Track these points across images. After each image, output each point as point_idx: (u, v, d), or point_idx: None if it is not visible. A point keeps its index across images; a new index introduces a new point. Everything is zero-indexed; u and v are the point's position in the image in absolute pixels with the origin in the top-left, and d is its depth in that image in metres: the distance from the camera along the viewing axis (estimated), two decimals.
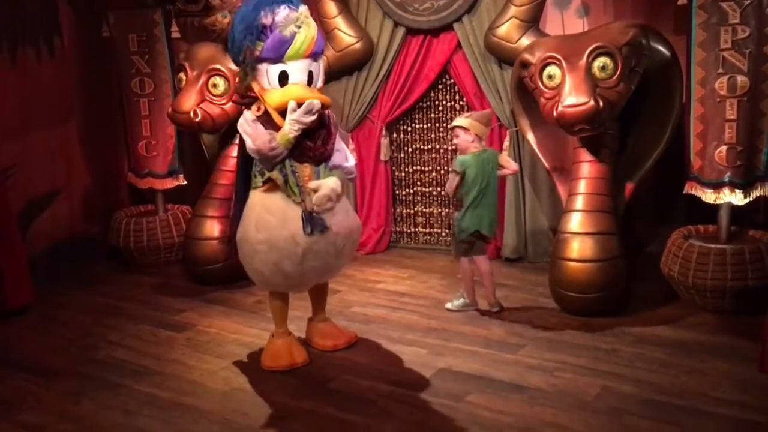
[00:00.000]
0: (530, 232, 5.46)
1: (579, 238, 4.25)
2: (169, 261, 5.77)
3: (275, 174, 3.59)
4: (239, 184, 3.81)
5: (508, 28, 5.04)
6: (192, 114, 4.92)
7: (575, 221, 4.32)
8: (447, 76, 5.67)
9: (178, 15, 5.72)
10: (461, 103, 5.69)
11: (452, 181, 4.29)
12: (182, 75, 5.17)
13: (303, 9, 3.52)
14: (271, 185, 3.61)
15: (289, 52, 3.47)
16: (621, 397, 3.28)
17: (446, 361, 3.76)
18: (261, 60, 3.49)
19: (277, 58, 3.48)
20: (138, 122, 5.74)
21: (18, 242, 4.77)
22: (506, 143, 5.38)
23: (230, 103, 5.05)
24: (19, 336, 4.42)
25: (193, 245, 5.19)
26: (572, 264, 4.23)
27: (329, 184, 3.56)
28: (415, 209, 6.01)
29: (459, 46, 5.45)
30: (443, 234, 5.94)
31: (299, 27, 3.48)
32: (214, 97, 5.02)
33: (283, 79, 3.52)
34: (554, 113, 4.09)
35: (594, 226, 4.25)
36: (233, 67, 4.95)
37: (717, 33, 4.12)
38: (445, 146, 5.79)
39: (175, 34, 5.66)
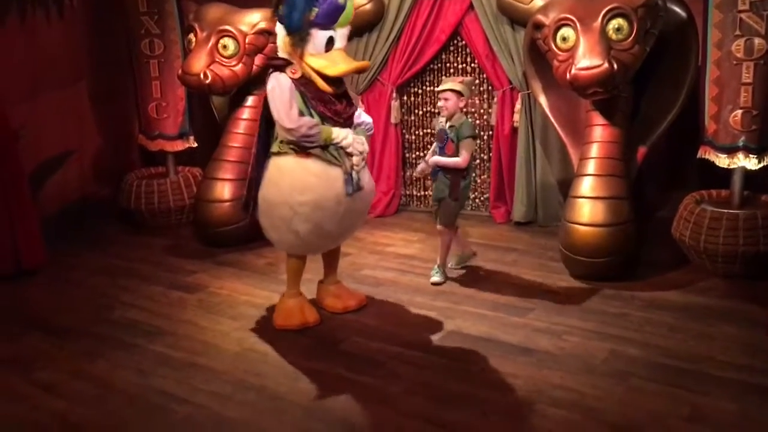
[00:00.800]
0: (540, 196, 5.44)
1: (590, 202, 4.24)
2: (180, 223, 5.80)
3: (325, 134, 3.57)
4: (260, 147, 3.79)
5: None
6: (202, 76, 4.90)
7: (587, 185, 4.30)
8: (458, 38, 5.60)
9: None
10: (473, 65, 5.63)
11: (470, 146, 4.20)
12: (192, 36, 5.14)
13: None
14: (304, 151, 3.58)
15: (341, 19, 3.55)
16: (628, 360, 3.30)
17: (455, 323, 3.79)
18: (313, 24, 3.49)
19: (328, 24, 3.53)
20: (148, 84, 5.71)
21: (30, 204, 4.78)
22: (518, 106, 5.34)
23: (240, 65, 5.03)
24: (33, 296, 4.47)
25: (204, 207, 5.21)
26: (583, 228, 4.22)
27: (361, 142, 3.68)
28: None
29: (471, 7, 5.38)
30: None
31: None
32: (224, 59, 4.99)
33: (329, 44, 3.56)
34: (567, 76, 4.05)
35: (605, 190, 4.23)
36: (243, 28, 5.00)
37: None
38: None
39: None
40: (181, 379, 3.31)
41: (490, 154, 5.68)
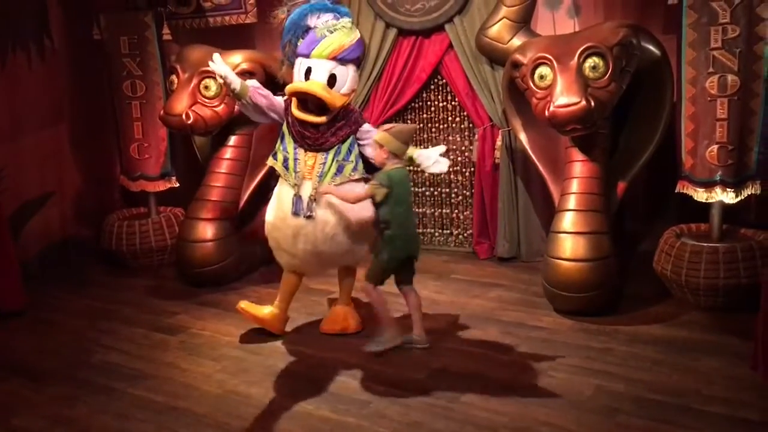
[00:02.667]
0: (523, 231, 5.47)
1: (572, 237, 4.27)
2: (162, 263, 5.76)
3: (279, 159, 4.02)
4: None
5: (499, 29, 5.04)
6: (184, 117, 4.93)
7: (568, 220, 4.33)
8: (439, 77, 5.68)
9: (170, 17, 5.70)
10: (453, 103, 5.70)
11: (371, 189, 3.74)
12: (174, 77, 5.17)
13: (345, 20, 3.94)
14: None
15: (315, 51, 3.87)
16: (614, 396, 3.29)
17: (441, 361, 3.77)
18: (298, 55, 3.95)
19: (306, 54, 3.91)
20: (130, 125, 5.72)
21: (9, 245, 4.73)
22: (498, 143, 5.39)
23: (222, 105, 5.07)
24: (13, 339, 4.40)
25: (185, 248, 5.17)
26: (565, 263, 4.24)
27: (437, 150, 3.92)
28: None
29: (450, 46, 5.46)
30: (436, 234, 5.94)
31: (331, 32, 3.87)
32: (206, 100, 5.03)
33: (308, 73, 3.90)
34: (546, 113, 4.11)
35: (586, 225, 4.27)
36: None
37: (707, 33, 4.14)
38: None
39: (167, 37, 5.65)
40: (162, 423, 3.26)
41: (472, 191, 5.71)
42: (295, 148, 3.96)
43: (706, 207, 4.42)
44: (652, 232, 5.11)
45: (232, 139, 5.34)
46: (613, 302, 4.31)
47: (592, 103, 4.01)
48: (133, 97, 5.68)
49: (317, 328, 4.27)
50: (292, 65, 4.07)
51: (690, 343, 3.83)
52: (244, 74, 5.04)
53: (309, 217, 3.83)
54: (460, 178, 5.79)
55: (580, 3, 5.36)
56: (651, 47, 4.43)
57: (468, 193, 5.79)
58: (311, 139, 3.93)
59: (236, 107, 5.10)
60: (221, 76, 3.89)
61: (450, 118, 5.73)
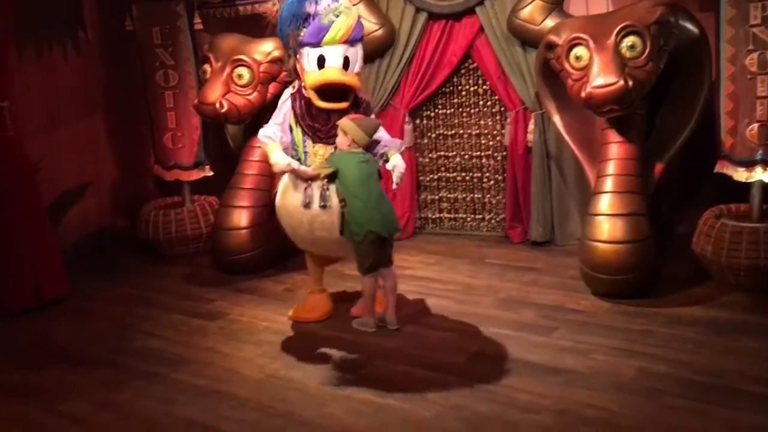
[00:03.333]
0: (557, 215, 5.43)
1: (609, 219, 4.23)
2: (197, 251, 5.81)
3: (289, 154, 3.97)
4: None
5: (531, 10, 5.00)
6: (218, 105, 4.96)
7: (605, 203, 4.29)
8: (470, 61, 5.64)
9: (200, 6, 5.72)
10: (484, 87, 5.66)
11: (316, 170, 3.83)
12: (207, 66, 5.20)
13: (344, 0, 3.84)
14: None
15: (326, 38, 3.82)
16: (657, 377, 3.27)
17: (479, 344, 3.77)
18: (303, 44, 3.86)
19: (316, 43, 3.83)
20: (163, 115, 5.77)
21: (50, 235, 4.83)
22: (531, 126, 5.35)
23: (255, 94, 5.08)
24: (54, 327, 4.47)
25: (221, 235, 5.22)
26: (603, 246, 4.20)
27: (400, 159, 3.87)
28: (440, 195, 6.00)
29: (481, 29, 5.42)
30: (468, 219, 5.93)
31: (337, 16, 3.82)
32: (239, 88, 5.05)
33: (321, 62, 3.85)
34: (582, 94, 4.07)
35: (624, 207, 4.22)
36: (257, 57, 5.08)
37: (746, 9, 4.07)
38: (469, 131, 5.78)
39: (198, 26, 5.67)
40: (206, 406, 3.29)
41: (504, 175, 5.69)
42: (304, 141, 3.95)
43: (744, 187, 4.35)
44: (688, 214, 5.06)
45: None
46: (651, 284, 4.27)
47: (630, 83, 3.96)
48: (166, 87, 5.72)
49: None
50: (296, 55, 3.97)
51: (731, 325, 3.79)
52: (277, 62, 5.09)
53: (324, 207, 3.81)
54: (491, 162, 5.76)
55: None
56: (689, 25, 4.36)
57: (500, 178, 5.76)
58: (323, 131, 3.92)
59: (268, 95, 5.17)
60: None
61: (481, 102, 5.70)
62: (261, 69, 5.05)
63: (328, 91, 3.89)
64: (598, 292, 4.32)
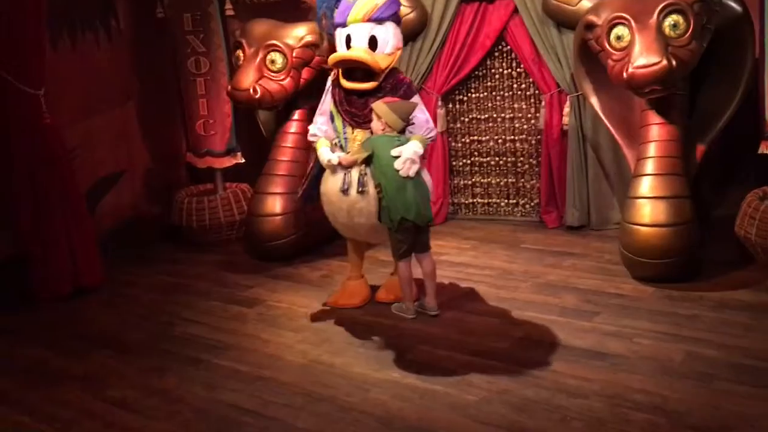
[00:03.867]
0: (593, 199, 5.37)
1: (651, 202, 4.15)
2: (231, 239, 5.82)
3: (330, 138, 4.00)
4: None
5: None
6: (252, 91, 4.94)
7: (646, 185, 4.21)
8: (503, 43, 5.58)
9: None
10: (518, 70, 5.60)
11: (353, 156, 3.80)
12: (239, 52, 5.18)
13: None
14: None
15: (349, 17, 3.80)
16: (708, 362, 3.21)
17: (523, 329, 3.73)
18: (336, 26, 3.88)
19: (342, 23, 3.84)
20: (195, 102, 5.75)
21: (89, 222, 4.86)
22: (566, 109, 5.28)
23: (288, 79, 5.06)
24: (94, 314, 4.50)
25: (255, 222, 5.21)
26: (645, 229, 4.13)
27: (411, 148, 3.71)
28: (473, 180, 5.95)
29: (515, 11, 5.35)
30: (502, 204, 5.88)
31: None
32: (272, 74, 5.02)
33: (349, 41, 3.82)
34: (624, 75, 3.99)
35: (666, 189, 4.15)
36: (290, 42, 5.06)
37: None
38: (502, 115, 5.72)
39: (229, 12, 5.67)
40: (252, 392, 3.29)
41: (539, 159, 5.62)
42: (344, 127, 3.91)
43: None
44: (727, 197, 4.98)
45: (297, 113, 5.33)
46: (694, 268, 4.20)
47: (674, 63, 3.88)
48: (198, 74, 5.70)
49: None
50: (332, 38, 4.01)
51: None
52: (310, 47, 5.06)
53: (362, 192, 3.79)
54: (525, 146, 5.70)
55: None
56: (732, 3, 4.27)
57: (534, 162, 5.70)
58: (360, 116, 3.87)
59: (302, 80, 5.14)
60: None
61: (515, 86, 5.64)
62: (294, 54, 5.02)
63: (354, 71, 3.84)
64: (640, 277, 4.26)
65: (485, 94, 5.74)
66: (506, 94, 5.67)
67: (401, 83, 3.90)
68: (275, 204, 5.17)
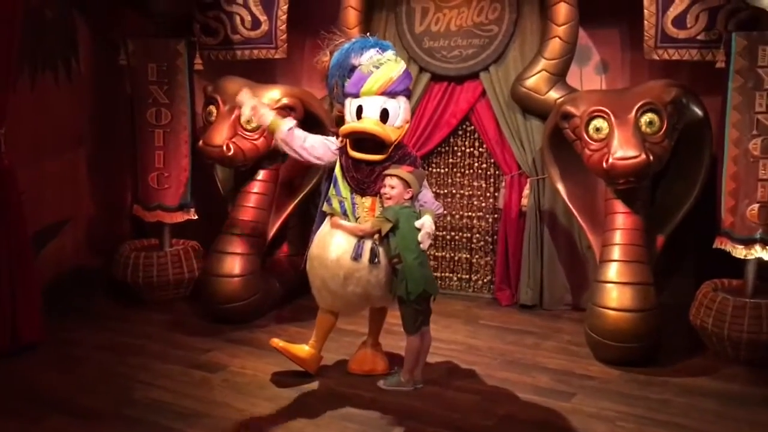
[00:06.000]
0: (547, 279, 5.51)
1: (618, 287, 4.32)
2: (177, 297, 5.56)
3: (334, 204, 3.93)
4: (320, 209, 4.08)
5: (537, 80, 5.16)
6: (225, 148, 4.84)
7: (614, 271, 4.39)
8: (467, 123, 5.75)
9: (202, 47, 5.62)
10: (480, 149, 5.76)
11: (377, 223, 3.77)
12: (212, 108, 5.10)
13: (389, 53, 3.91)
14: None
15: (363, 88, 3.82)
16: None
17: (505, 408, 3.74)
18: (346, 95, 3.91)
19: (355, 94, 3.86)
20: (151, 153, 5.55)
21: (34, 272, 4.52)
22: (526, 191, 5.46)
23: (261, 139, 5.00)
24: (41, 373, 4.13)
25: (212, 282, 5.01)
26: (613, 313, 4.28)
27: (430, 221, 3.77)
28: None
29: (483, 94, 5.55)
30: (454, 278, 5.94)
31: (377, 67, 3.84)
32: (246, 132, 4.95)
33: (360, 112, 3.85)
34: (604, 164, 4.20)
35: (633, 276, 4.34)
36: (266, 102, 4.99)
37: (752, 97, 4.33)
38: (461, 191, 5.84)
39: (198, 66, 5.56)
40: None
41: (494, 237, 5.76)
42: (351, 193, 3.91)
43: (724, 261, 4.52)
44: (668, 285, 5.24)
45: (261, 174, 5.24)
46: (655, 353, 4.37)
47: (651, 158, 4.13)
48: (157, 125, 5.52)
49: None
50: (341, 106, 4.06)
51: (745, 396, 3.91)
52: (285, 109, 5.04)
53: (375, 263, 3.78)
54: (483, 223, 5.83)
55: (608, 60, 5.55)
56: (695, 107, 4.61)
57: (490, 239, 5.82)
58: (366, 183, 3.89)
59: (273, 141, 5.07)
60: (252, 108, 3.90)
61: (477, 164, 5.79)
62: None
63: (364, 141, 3.87)
64: (604, 359, 4.38)
65: (446, 169, 5.86)
66: (467, 172, 5.82)
67: (408, 155, 3.96)
68: (234, 264, 5.01)
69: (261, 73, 5.71)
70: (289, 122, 4.06)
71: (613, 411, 3.70)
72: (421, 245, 3.77)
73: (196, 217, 5.68)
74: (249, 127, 4.95)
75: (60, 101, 5.31)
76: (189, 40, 5.52)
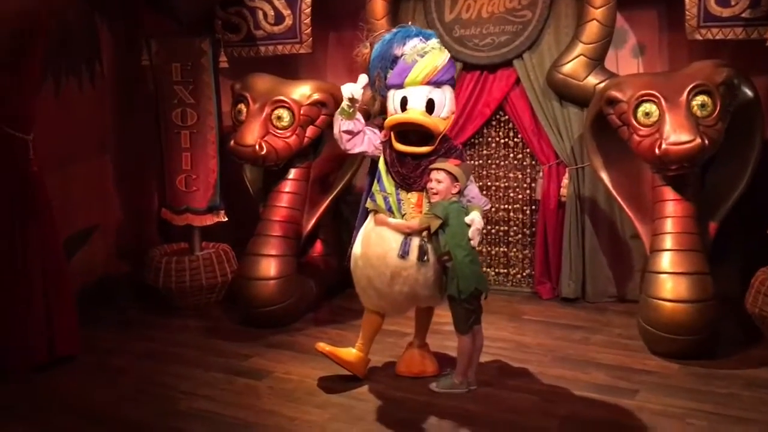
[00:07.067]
0: (589, 271, 5.36)
1: (673, 278, 4.16)
2: (210, 302, 5.43)
3: (378, 200, 3.77)
4: (362, 205, 3.92)
5: (575, 66, 5.00)
6: (257, 147, 4.70)
7: (667, 260, 4.22)
8: (501, 113, 5.58)
9: (225, 45, 5.47)
10: (515, 139, 5.60)
11: (426, 220, 3.63)
12: (242, 106, 4.96)
13: (433, 41, 3.74)
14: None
15: (408, 78, 3.67)
16: None
17: (566, 408, 3.58)
18: (389, 87, 3.72)
19: (399, 85, 3.69)
20: (178, 155, 5.42)
21: (68, 282, 4.38)
22: (565, 181, 5.30)
23: (294, 136, 4.86)
24: (80, 385, 4.00)
25: (247, 285, 4.87)
26: (669, 305, 4.12)
27: (479, 217, 3.62)
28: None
29: (517, 82, 5.38)
30: (492, 273, 5.78)
31: (422, 56, 3.67)
32: (278, 130, 4.81)
33: (404, 103, 3.68)
34: (656, 151, 4.03)
35: (687, 265, 4.17)
36: (297, 98, 4.87)
37: None
38: (497, 183, 5.68)
39: (224, 64, 5.42)
40: None
41: (533, 229, 5.60)
42: (396, 188, 3.75)
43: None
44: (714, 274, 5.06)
45: (292, 172, 5.10)
46: (714, 345, 4.21)
47: (706, 141, 3.96)
48: (183, 126, 5.39)
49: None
50: (384, 99, 3.87)
51: None
52: (317, 105, 4.90)
53: (424, 261, 3.63)
54: (520, 216, 5.67)
55: (645, 43, 5.37)
56: (745, 88, 4.43)
57: (528, 232, 5.66)
58: (411, 178, 3.73)
59: (306, 139, 4.93)
60: (353, 94, 3.65)
61: (512, 155, 5.63)
62: (302, 111, 4.84)
63: (409, 133, 3.71)
64: (661, 352, 4.22)
65: (480, 161, 5.70)
66: (502, 163, 5.66)
67: (454, 148, 3.80)
68: (270, 267, 4.86)
69: (284, 69, 5.56)
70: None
71: (681, 408, 3.54)
72: (471, 242, 3.62)
73: (226, 219, 5.54)
74: (281, 125, 4.81)
75: (84, 106, 5.19)
76: (213, 37, 5.37)
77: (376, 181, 3.84)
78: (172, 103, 5.38)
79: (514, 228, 5.70)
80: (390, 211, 3.75)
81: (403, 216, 3.73)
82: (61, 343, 4.28)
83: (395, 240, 3.68)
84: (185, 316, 5.22)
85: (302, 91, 4.92)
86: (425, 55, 3.67)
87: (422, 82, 3.65)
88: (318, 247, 5.69)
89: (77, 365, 4.28)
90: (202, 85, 5.36)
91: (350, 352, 3.95)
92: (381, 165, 3.81)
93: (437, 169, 3.66)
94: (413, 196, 3.73)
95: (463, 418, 3.49)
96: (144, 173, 5.79)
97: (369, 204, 3.85)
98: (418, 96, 3.65)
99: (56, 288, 4.27)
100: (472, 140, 5.68)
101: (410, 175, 3.73)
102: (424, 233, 3.65)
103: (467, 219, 3.62)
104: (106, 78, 5.41)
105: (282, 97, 4.81)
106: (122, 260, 5.62)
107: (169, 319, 5.16)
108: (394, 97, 3.71)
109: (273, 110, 4.81)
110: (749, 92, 4.45)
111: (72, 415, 3.61)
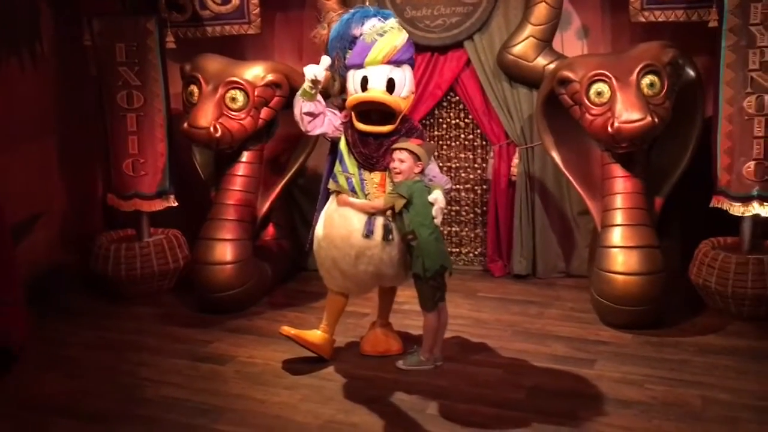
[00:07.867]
0: (539, 248, 5.50)
1: (624, 251, 4.32)
2: (161, 290, 5.31)
3: (341, 181, 3.78)
4: (323, 186, 3.93)
5: (525, 47, 5.09)
6: (212, 129, 4.61)
7: (618, 235, 4.38)
8: (452, 94, 5.64)
9: (171, 25, 5.32)
10: (466, 120, 5.67)
11: (390, 199, 3.66)
12: (194, 88, 4.85)
13: (391, 21, 3.78)
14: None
15: (368, 58, 3.68)
16: (726, 405, 3.34)
17: (531, 379, 3.69)
18: (349, 67, 3.72)
19: (359, 65, 3.70)
20: (124, 139, 5.24)
21: (16, 270, 4.20)
22: (515, 160, 5.41)
23: (248, 118, 4.79)
24: (36, 378, 3.88)
25: (203, 271, 4.79)
26: (621, 277, 4.28)
27: (441, 196, 3.66)
28: None
29: (467, 63, 5.45)
30: None
31: (381, 36, 3.71)
32: (232, 112, 4.72)
33: (365, 83, 3.69)
34: (609, 129, 4.16)
35: (638, 239, 4.34)
36: (251, 79, 4.80)
37: (745, 54, 4.36)
38: (448, 164, 5.74)
39: (171, 44, 5.27)
40: None
41: (483, 209, 5.70)
42: (359, 168, 3.77)
43: (709, 222, 4.65)
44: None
45: (246, 155, 5.01)
46: (663, 315, 4.40)
47: (656, 119, 4.11)
48: (129, 109, 5.22)
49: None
50: (343, 80, 3.86)
51: (756, 351, 3.97)
52: (271, 86, 4.84)
53: (388, 240, 3.67)
54: (471, 195, 5.75)
55: (589, 25, 5.52)
56: (688, 68, 4.61)
57: (479, 211, 5.76)
58: (374, 158, 3.74)
59: (260, 120, 4.87)
60: (316, 75, 3.61)
61: (463, 136, 5.70)
62: (256, 93, 4.76)
63: (371, 113, 3.72)
64: (613, 323, 4.39)
65: (432, 142, 5.73)
66: (453, 144, 5.73)
67: (415, 128, 3.83)
68: (226, 251, 4.79)
69: (231, 50, 5.45)
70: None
71: (638, 374, 3.70)
72: (435, 220, 3.67)
73: (176, 203, 5.42)
74: (235, 107, 4.72)
75: (26, 88, 4.96)
76: (159, 17, 5.21)
77: (338, 161, 3.83)
78: (117, 85, 5.19)
79: (466, 208, 5.79)
80: (353, 191, 3.76)
81: (366, 196, 3.75)
82: (8, 336, 4.11)
83: (359, 220, 3.70)
84: (136, 304, 5.09)
85: (256, 72, 4.84)
86: (384, 35, 3.69)
87: (382, 61, 3.67)
88: (270, 230, 5.63)
89: (29, 358, 4.13)
90: (149, 66, 5.20)
91: (316, 334, 3.95)
92: (342, 146, 3.81)
93: (400, 148, 3.68)
94: (376, 176, 3.75)
95: (434, 393, 3.55)
96: (89, 157, 5.59)
97: (331, 185, 3.85)
98: (378, 75, 3.67)
99: (6, 278, 4.09)
100: (424, 121, 5.70)
101: (373, 155, 3.74)
102: (388, 212, 3.68)
103: (430, 198, 3.66)
104: (48, 59, 5.18)
105: (236, 78, 4.73)
106: (67, 248, 5.42)
107: (120, 307, 5.03)
108: (354, 77, 3.71)
109: (227, 92, 4.72)
110: (691, 72, 4.64)
111: (30, 409, 3.51)
